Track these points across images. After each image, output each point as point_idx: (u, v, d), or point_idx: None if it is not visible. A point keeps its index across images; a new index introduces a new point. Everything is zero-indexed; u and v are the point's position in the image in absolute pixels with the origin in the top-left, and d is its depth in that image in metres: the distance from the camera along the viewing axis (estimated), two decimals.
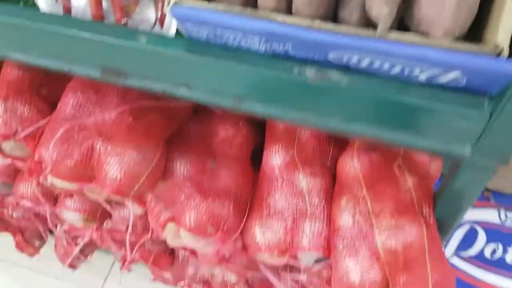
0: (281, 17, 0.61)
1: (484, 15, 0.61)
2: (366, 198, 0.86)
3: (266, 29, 0.62)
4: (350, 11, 0.64)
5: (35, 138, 0.98)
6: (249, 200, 0.95)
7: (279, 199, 0.91)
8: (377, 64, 0.62)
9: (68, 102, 0.95)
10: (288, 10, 0.63)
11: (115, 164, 0.87)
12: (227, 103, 0.71)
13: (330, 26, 0.60)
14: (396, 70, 0.62)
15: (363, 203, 0.86)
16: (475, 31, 0.62)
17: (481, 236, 1.43)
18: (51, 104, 1.02)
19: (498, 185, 1.49)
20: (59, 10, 0.83)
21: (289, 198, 0.91)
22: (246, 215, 0.92)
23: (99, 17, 0.79)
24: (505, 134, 0.61)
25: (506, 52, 0.55)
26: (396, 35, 0.58)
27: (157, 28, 0.82)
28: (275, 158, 0.96)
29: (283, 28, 0.61)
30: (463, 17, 0.59)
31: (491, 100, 0.61)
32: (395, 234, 0.81)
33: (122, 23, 0.80)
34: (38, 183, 0.92)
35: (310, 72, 0.65)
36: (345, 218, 0.86)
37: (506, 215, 1.45)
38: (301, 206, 0.90)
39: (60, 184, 0.90)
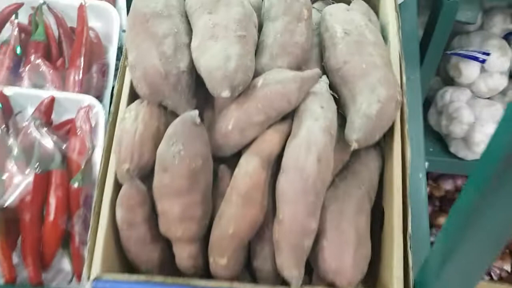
0: (203, 282, 0.66)
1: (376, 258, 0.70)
2: None
3: None
4: (263, 262, 0.70)
5: None
6: None
7: None
8: None
9: None
10: (206, 271, 0.68)
11: None
12: None
13: (248, 286, 0.65)
14: None
15: None
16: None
17: None
18: None
19: None
20: None
21: None
22: None
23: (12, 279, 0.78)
24: None
25: None
26: None
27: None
28: None
29: None
30: (361, 267, 0.68)
31: None
32: None
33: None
34: None
35: None
36: None
37: None
38: None
39: None
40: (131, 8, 0.78)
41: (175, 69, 0.72)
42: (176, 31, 0.75)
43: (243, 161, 0.69)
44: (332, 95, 0.75)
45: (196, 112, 0.70)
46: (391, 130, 0.76)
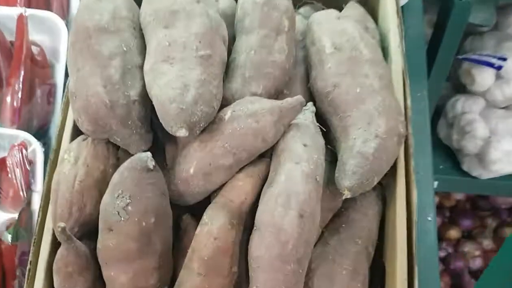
0: None
1: None
2: None
3: None
4: None
5: None
6: None
7: None
8: None
9: None
10: None
11: None
12: None
13: None
14: None
15: None
16: None
17: None
18: None
19: None
20: None
21: None
22: None
23: None
24: None
25: None
26: None
27: None
28: None
29: None
30: None
31: None
32: None
33: None
34: None
35: None
36: None
37: None
38: None
39: None
40: (73, 20, 0.63)
41: (124, 98, 0.58)
42: (126, 49, 0.60)
43: (207, 216, 0.55)
44: (320, 127, 0.60)
45: (148, 154, 0.56)
46: (393, 168, 0.61)
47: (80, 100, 0.59)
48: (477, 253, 1.70)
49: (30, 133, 0.70)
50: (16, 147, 0.63)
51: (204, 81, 0.55)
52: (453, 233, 1.74)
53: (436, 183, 1.23)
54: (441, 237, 1.75)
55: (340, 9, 0.75)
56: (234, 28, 0.67)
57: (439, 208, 1.75)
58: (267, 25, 0.63)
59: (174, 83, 0.55)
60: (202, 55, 0.57)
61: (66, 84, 0.68)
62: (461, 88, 1.30)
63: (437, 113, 1.34)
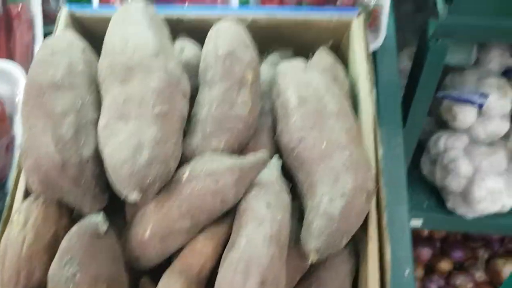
0: None
1: None
2: None
3: None
4: None
5: None
6: None
7: None
8: None
9: None
10: None
11: None
12: None
13: None
14: None
15: None
16: None
17: None
18: None
19: None
20: None
21: None
22: None
23: None
24: None
25: None
26: None
27: None
28: None
29: None
30: None
31: None
32: None
33: None
34: None
35: None
36: None
37: None
38: None
39: None
40: (26, 76, 0.61)
41: (76, 157, 0.55)
42: (80, 105, 0.58)
43: (162, 285, 0.52)
44: (288, 182, 0.57)
45: (100, 217, 0.53)
46: (365, 223, 0.58)
47: (30, 159, 0.55)
48: (470, 285, 1.66)
49: None
50: None
51: (159, 140, 0.53)
52: (445, 265, 1.70)
53: (420, 221, 1.20)
54: (432, 269, 1.71)
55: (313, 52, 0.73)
56: (198, 80, 0.65)
57: (429, 239, 1.71)
58: (230, 78, 0.60)
59: (127, 143, 0.52)
60: (159, 112, 0.54)
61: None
62: (443, 123, 1.28)
63: (420, 147, 1.32)
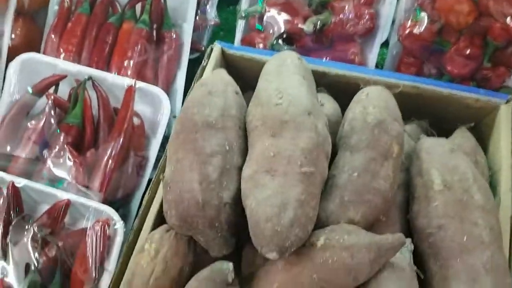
0: None
1: None
2: None
3: None
4: None
5: None
6: None
7: None
8: None
9: None
10: None
11: None
12: None
13: None
14: None
15: None
16: None
17: None
18: None
19: None
20: None
21: None
22: None
23: None
24: None
25: None
26: None
27: None
28: None
29: None
30: None
31: None
32: None
33: None
34: None
35: None
36: None
37: None
38: None
39: None
40: (181, 109, 0.63)
41: (217, 199, 0.56)
42: (228, 148, 0.59)
43: None
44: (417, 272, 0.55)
45: (230, 267, 0.54)
46: None
47: (173, 192, 0.57)
48: None
49: (114, 201, 0.70)
50: (100, 223, 0.63)
51: (303, 201, 0.53)
52: None
53: None
54: None
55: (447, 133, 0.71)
56: (336, 141, 0.65)
57: None
58: (375, 149, 0.59)
59: (272, 200, 0.52)
60: (305, 172, 0.54)
61: (160, 162, 0.68)
62: None
63: None
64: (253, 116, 0.61)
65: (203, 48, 0.96)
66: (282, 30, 0.87)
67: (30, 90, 0.79)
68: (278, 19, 0.86)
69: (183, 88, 0.87)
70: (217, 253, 0.58)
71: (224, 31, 1.04)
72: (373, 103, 0.63)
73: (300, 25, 0.86)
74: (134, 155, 0.75)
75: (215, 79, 0.65)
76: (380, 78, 0.73)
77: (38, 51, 0.89)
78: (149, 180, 0.77)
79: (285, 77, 0.62)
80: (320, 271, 0.52)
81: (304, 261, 0.53)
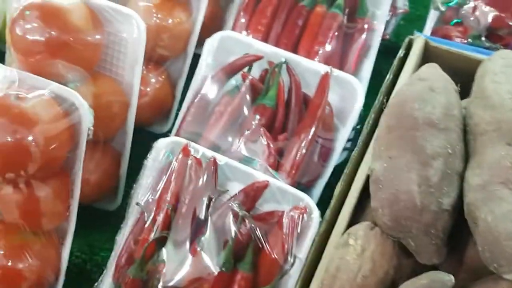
0: None
1: None
2: None
3: None
4: None
5: None
6: None
7: None
8: None
9: None
10: None
11: None
12: None
13: None
14: None
15: None
16: None
17: None
18: None
19: None
20: None
21: None
22: None
23: None
24: None
25: None
26: None
27: None
28: None
29: None
30: None
31: None
32: None
33: None
34: None
35: None
36: None
37: None
38: None
39: None
40: (392, 103, 0.60)
41: (436, 204, 0.52)
42: (451, 152, 0.54)
43: None
44: None
45: (452, 279, 0.50)
46: None
47: (386, 191, 0.54)
48: None
49: (296, 187, 0.69)
50: (298, 210, 0.62)
51: None
52: None
53: None
54: None
55: None
56: None
57: None
58: None
59: None
60: None
61: (353, 153, 0.65)
62: None
63: None
64: (481, 119, 0.55)
65: (388, 37, 0.92)
66: (488, 25, 0.79)
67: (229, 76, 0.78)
68: (483, 12, 0.79)
69: (369, 79, 0.84)
70: (427, 260, 0.54)
71: (405, 21, 0.98)
72: None
73: (510, 22, 0.78)
74: (322, 145, 0.73)
75: (435, 74, 0.61)
76: None
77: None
78: (333, 170, 0.75)
79: None
80: None
81: None
